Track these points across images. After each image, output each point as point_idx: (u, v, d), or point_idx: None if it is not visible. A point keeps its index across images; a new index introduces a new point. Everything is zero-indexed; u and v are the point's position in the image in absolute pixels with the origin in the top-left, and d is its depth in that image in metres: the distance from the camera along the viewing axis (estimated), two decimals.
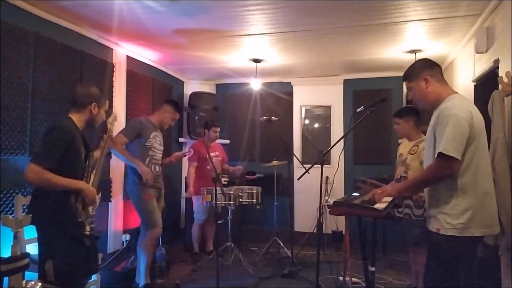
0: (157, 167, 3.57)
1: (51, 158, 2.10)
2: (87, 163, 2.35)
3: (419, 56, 4.41)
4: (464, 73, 4.05)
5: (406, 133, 3.38)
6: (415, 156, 3.21)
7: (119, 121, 4.19)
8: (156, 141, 3.57)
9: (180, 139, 5.92)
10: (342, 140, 3.15)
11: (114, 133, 2.94)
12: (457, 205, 1.91)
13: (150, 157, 3.51)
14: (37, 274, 2.20)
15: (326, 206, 4.08)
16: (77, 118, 2.33)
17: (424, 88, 2.09)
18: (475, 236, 1.89)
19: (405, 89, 5.25)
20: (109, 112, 2.76)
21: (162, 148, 3.69)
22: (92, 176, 2.38)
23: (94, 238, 2.31)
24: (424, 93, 2.10)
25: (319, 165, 2.98)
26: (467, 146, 1.88)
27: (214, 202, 4.01)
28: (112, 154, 3.74)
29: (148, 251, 3.43)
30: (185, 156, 4.12)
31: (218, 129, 4.70)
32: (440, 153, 1.85)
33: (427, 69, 2.11)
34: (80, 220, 2.21)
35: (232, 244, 4.42)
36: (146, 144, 3.48)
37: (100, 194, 2.45)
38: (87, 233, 2.25)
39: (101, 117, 2.46)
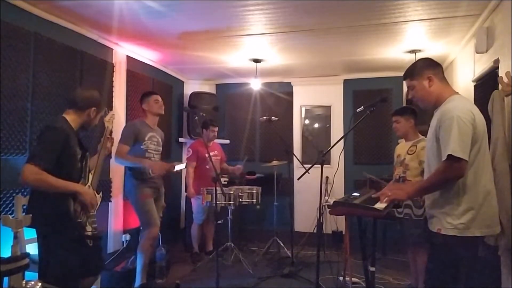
0: None
1: (47, 158, 2.09)
2: (83, 163, 2.34)
3: (419, 56, 4.40)
4: (464, 73, 4.05)
5: (405, 132, 3.38)
6: (413, 156, 3.21)
7: (119, 121, 4.20)
8: (152, 142, 3.57)
9: (180, 139, 5.92)
10: (342, 140, 3.15)
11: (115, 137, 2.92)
12: (458, 205, 1.91)
13: (147, 159, 3.51)
14: (37, 274, 2.20)
15: (326, 206, 4.08)
16: (72, 119, 2.32)
17: (427, 87, 2.08)
18: (476, 236, 1.89)
19: (405, 89, 5.25)
20: (107, 111, 2.76)
21: (160, 148, 3.68)
22: (91, 177, 2.37)
23: (96, 238, 2.30)
24: (426, 92, 2.09)
25: (319, 165, 2.98)
26: (470, 147, 1.88)
27: (214, 202, 4.01)
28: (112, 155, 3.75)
29: (145, 251, 3.43)
30: (176, 172, 4.00)
31: (217, 129, 4.70)
32: (449, 155, 1.84)
33: (431, 67, 2.10)
34: (79, 221, 2.20)
35: (232, 244, 4.43)
36: (142, 147, 3.48)
37: (101, 193, 2.45)
38: (89, 233, 2.25)
39: (95, 122, 2.46)
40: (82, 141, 2.41)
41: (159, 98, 3.66)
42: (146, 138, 3.51)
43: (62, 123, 2.25)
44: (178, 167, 3.86)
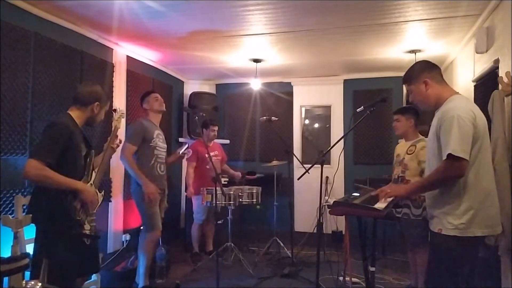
0: (162, 166, 3.58)
1: (50, 153, 2.08)
2: (87, 160, 2.34)
3: (419, 56, 4.41)
4: (464, 73, 4.05)
5: (405, 131, 3.37)
6: (413, 156, 3.21)
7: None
8: (159, 139, 3.58)
9: (180, 139, 5.92)
10: (342, 140, 3.15)
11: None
12: (459, 205, 1.91)
13: (156, 156, 3.52)
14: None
15: (326, 206, 4.08)
16: (77, 115, 2.31)
17: (424, 91, 2.09)
18: (476, 236, 1.89)
19: (405, 89, 5.26)
20: (113, 110, 2.76)
21: (166, 146, 3.69)
22: (94, 174, 2.37)
23: (94, 237, 2.30)
24: (424, 96, 2.10)
25: (319, 165, 2.98)
26: (471, 146, 1.88)
27: (214, 202, 4.01)
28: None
29: (147, 253, 3.43)
30: (184, 155, 4.04)
31: (216, 128, 4.70)
32: (449, 155, 1.84)
33: (427, 71, 2.11)
34: (78, 218, 2.20)
35: (232, 244, 4.42)
36: (151, 144, 3.49)
37: (103, 192, 2.45)
38: (87, 232, 2.24)
39: (100, 117, 2.45)
40: (88, 139, 2.41)
41: (158, 95, 3.66)
42: (154, 136, 3.53)
43: (66, 119, 2.25)
44: (182, 151, 3.83)
